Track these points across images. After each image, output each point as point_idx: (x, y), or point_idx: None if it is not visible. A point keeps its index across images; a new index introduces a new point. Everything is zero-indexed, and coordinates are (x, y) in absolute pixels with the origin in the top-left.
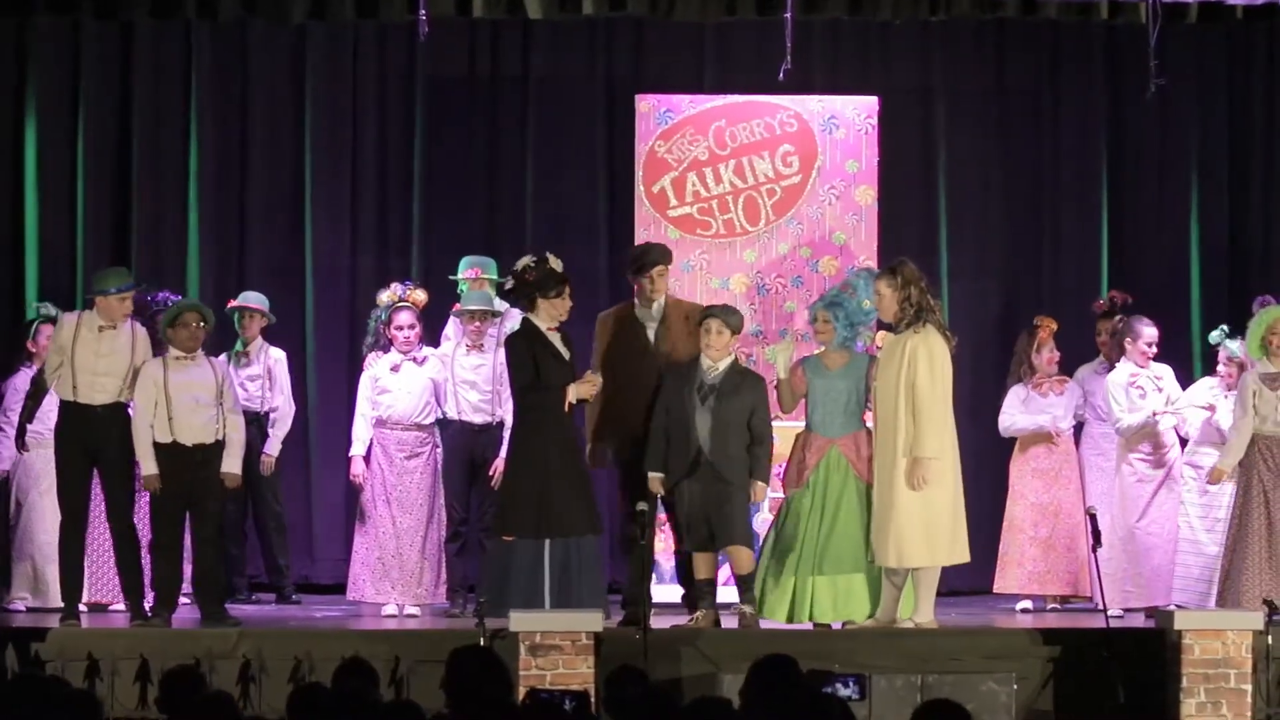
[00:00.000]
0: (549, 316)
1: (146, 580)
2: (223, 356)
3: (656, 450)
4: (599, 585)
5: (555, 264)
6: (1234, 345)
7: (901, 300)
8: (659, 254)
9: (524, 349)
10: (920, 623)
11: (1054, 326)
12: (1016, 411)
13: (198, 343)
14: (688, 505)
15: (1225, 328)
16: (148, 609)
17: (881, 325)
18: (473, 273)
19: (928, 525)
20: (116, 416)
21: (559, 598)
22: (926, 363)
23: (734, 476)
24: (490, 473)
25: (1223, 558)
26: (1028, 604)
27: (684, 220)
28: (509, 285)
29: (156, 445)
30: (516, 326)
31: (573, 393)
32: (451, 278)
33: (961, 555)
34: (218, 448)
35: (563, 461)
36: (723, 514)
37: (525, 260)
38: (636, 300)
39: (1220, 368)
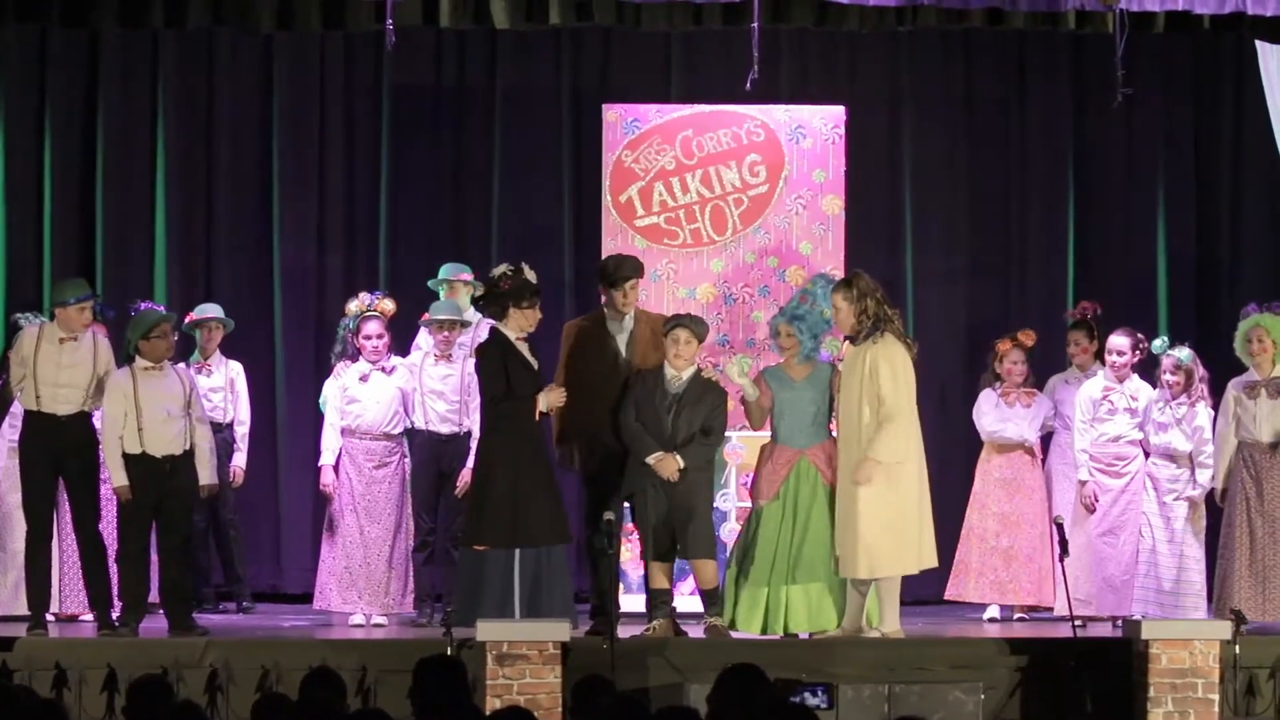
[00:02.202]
0: (518, 326)
1: (114, 590)
2: (182, 365)
3: (643, 439)
4: (568, 594)
5: (529, 274)
6: (1182, 353)
7: (858, 313)
8: (632, 267)
9: (496, 359)
10: (887, 632)
11: (1026, 342)
12: (997, 418)
13: (172, 352)
14: (651, 514)
15: (1166, 337)
16: (115, 618)
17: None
18: (466, 276)
19: (896, 533)
20: (81, 426)
21: (529, 607)
22: (889, 371)
23: (692, 488)
24: (456, 483)
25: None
26: (995, 613)
27: (651, 230)
28: (480, 293)
29: (126, 456)
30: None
31: (543, 401)
32: (431, 284)
33: (929, 560)
34: (186, 458)
35: (533, 470)
36: (687, 525)
37: (501, 269)
38: (607, 311)
39: (1168, 377)
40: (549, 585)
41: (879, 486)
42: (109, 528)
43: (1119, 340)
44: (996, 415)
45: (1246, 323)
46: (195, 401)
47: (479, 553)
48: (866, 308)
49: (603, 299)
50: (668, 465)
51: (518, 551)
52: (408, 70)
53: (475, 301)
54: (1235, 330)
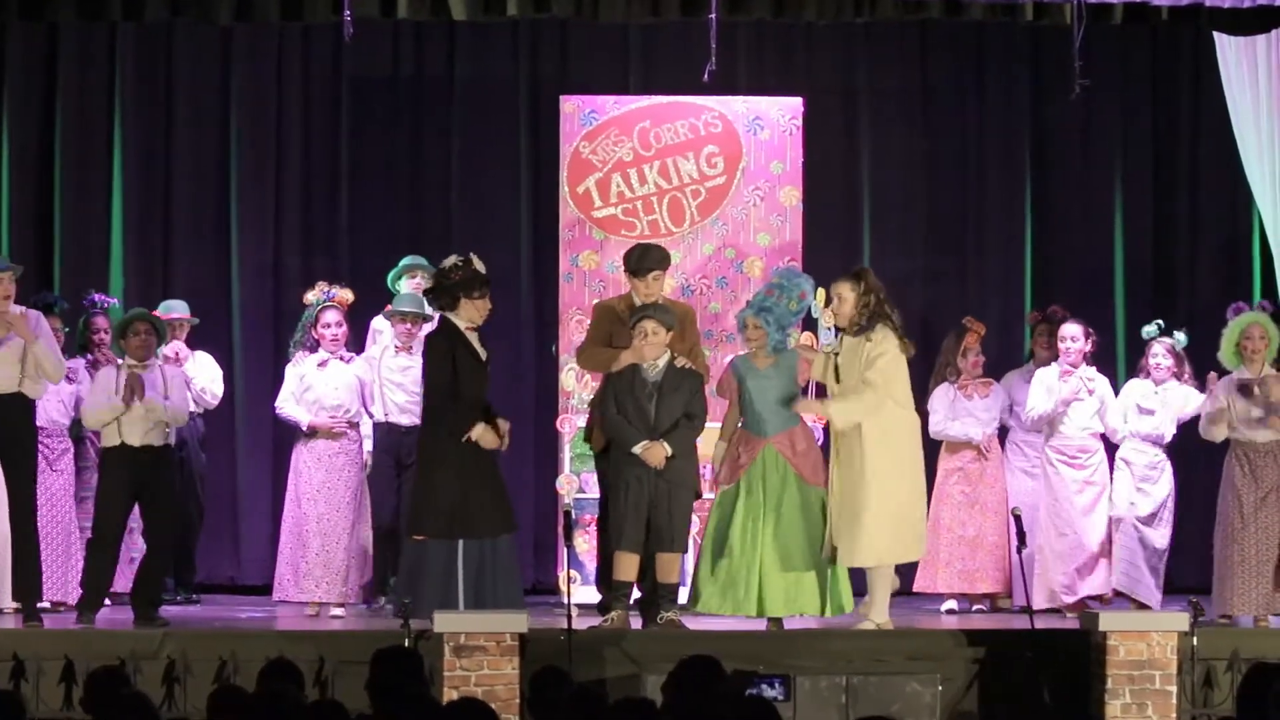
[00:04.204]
0: (468, 317)
1: (75, 581)
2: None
3: (626, 429)
4: (515, 585)
5: (479, 265)
6: (1180, 338)
7: (861, 306)
8: (656, 258)
9: (443, 348)
10: (879, 622)
11: (982, 331)
12: (946, 416)
13: (149, 352)
14: (633, 504)
15: (1160, 322)
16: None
17: (805, 325)
18: (415, 283)
19: (897, 522)
20: (17, 406)
21: (474, 599)
22: (884, 356)
23: (678, 477)
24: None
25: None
26: (953, 604)
27: (609, 221)
28: (430, 284)
29: (105, 449)
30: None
31: (475, 431)
32: (391, 275)
33: (920, 551)
34: (166, 451)
35: (475, 462)
36: (670, 517)
37: (451, 260)
38: (634, 297)
39: (1161, 360)
40: (494, 577)
41: (884, 477)
42: (55, 515)
43: (1072, 328)
44: (947, 414)
45: (1244, 319)
46: (176, 389)
47: (420, 543)
48: (870, 303)
49: (627, 287)
50: (655, 453)
51: (461, 543)
52: (365, 62)
53: (426, 294)
54: (1200, 328)
